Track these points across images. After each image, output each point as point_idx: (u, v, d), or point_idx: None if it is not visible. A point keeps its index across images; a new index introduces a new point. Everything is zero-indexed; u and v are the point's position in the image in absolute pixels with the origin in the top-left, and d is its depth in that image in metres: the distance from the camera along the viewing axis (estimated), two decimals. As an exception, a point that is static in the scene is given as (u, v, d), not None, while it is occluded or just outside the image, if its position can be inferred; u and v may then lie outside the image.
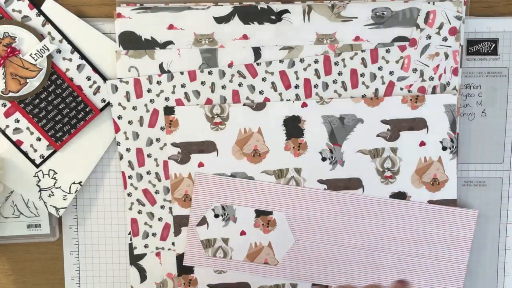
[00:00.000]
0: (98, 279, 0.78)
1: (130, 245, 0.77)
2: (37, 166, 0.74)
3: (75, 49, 0.73)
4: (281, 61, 0.74)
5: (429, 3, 0.73)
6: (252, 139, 0.75)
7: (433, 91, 0.74)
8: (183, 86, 0.74)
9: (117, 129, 0.74)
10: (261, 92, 0.74)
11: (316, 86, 0.74)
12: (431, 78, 0.74)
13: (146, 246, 0.76)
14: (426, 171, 0.75)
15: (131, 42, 0.73)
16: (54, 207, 0.75)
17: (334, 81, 0.74)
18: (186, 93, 0.74)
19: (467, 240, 0.76)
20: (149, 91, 0.74)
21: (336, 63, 0.74)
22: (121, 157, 0.75)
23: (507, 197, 0.78)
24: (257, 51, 0.74)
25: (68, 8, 0.72)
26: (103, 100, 0.74)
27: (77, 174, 0.75)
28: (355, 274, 0.77)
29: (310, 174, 0.75)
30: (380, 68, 0.74)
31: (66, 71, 0.73)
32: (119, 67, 0.73)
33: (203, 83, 0.74)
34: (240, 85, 0.74)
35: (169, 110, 0.74)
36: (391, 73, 0.74)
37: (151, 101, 0.74)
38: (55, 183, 0.75)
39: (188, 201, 0.75)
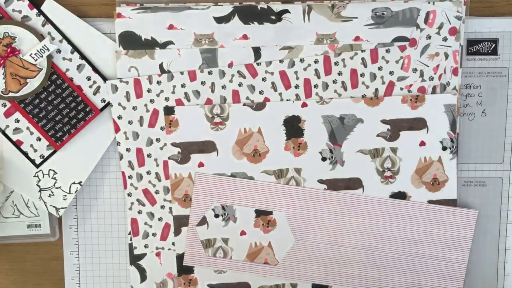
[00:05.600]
0: (98, 279, 0.78)
1: (130, 245, 0.77)
2: (37, 166, 0.74)
3: (75, 49, 0.73)
4: (281, 61, 0.74)
5: (429, 3, 0.73)
6: (252, 139, 0.75)
7: (433, 91, 0.74)
8: (183, 86, 0.74)
9: (117, 129, 0.74)
10: (261, 92, 0.74)
11: (316, 86, 0.74)
12: (431, 78, 0.74)
13: (146, 246, 0.76)
14: (426, 171, 0.75)
15: (131, 42, 0.73)
16: (54, 207, 0.75)
17: (334, 81, 0.74)
18: (186, 93, 0.74)
19: (467, 240, 0.76)
20: (149, 91, 0.74)
21: (336, 63, 0.74)
22: (121, 157, 0.75)
23: (507, 197, 0.78)
24: (257, 51, 0.74)
25: (68, 8, 0.72)
26: (103, 100, 0.74)
27: (77, 174, 0.75)
28: (355, 274, 0.77)
29: (310, 174, 0.75)
30: (380, 68, 0.74)
31: (66, 71, 0.73)
32: (119, 67, 0.73)
33: (203, 83, 0.74)
34: (240, 85, 0.74)
35: (169, 110, 0.74)
36: (391, 73, 0.74)
37: (151, 101, 0.74)
38: (55, 183, 0.75)
39: (188, 201, 0.75)
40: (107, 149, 0.75)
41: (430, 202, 0.76)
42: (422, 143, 0.75)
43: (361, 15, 0.73)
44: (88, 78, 0.73)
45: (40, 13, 0.72)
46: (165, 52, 0.73)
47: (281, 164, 0.75)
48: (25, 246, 0.78)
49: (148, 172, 0.75)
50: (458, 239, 0.76)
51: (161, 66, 0.74)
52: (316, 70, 0.74)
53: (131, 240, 0.76)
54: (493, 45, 0.75)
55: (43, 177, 0.75)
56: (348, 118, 0.74)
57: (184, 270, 0.77)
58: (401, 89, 0.74)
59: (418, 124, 0.75)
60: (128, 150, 0.75)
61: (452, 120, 0.74)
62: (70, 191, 0.75)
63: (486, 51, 0.75)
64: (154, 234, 0.76)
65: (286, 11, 0.73)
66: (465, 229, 0.76)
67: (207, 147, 0.75)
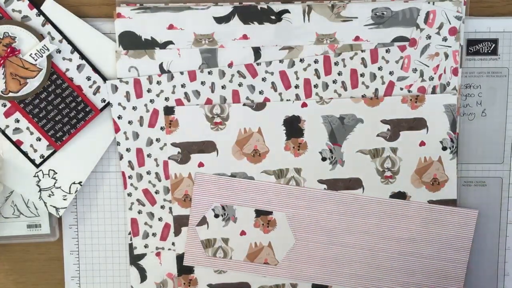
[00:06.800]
0: (98, 279, 0.78)
1: (130, 245, 0.77)
2: (37, 166, 0.74)
3: (75, 49, 0.73)
4: (281, 61, 0.74)
5: (429, 3, 0.73)
6: (252, 139, 0.75)
7: (433, 91, 0.74)
8: (183, 86, 0.74)
9: (117, 129, 0.74)
10: (261, 92, 0.74)
11: (316, 86, 0.74)
12: (431, 78, 0.74)
13: (146, 246, 0.76)
14: (426, 171, 0.75)
15: (131, 42, 0.73)
16: (54, 207, 0.75)
17: (334, 81, 0.74)
18: (186, 93, 0.74)
19: (467, 240, 0.76)
20: (149, 91, 0.74)
21: (336, 63, 0.74)
22: (121, 157, 0.75)
23: (507, 197, 0.78)
24: (257, 51, 0.74)
25: (68, 8, 0.72)
26: (103, 100, 0.74)
27: (77, 174, 0.75)
28: (355, 274, 0.77)
29: (310, 174, 0.75)
30: (380, 68, 0.74)
31: (66, 71, 0.73)
32: (119, 67, 0.73)
33: (203, 83, 0.74)
34: (240, 85, 0.74)
35: (169, 110, 0.74)
36: (391, 73, 0.74)
37: (151, 101, 0.74)
38: (55, 183, 0.75)
39: (188, 201, 0.75)
40: (107, 149, 0.75)
41: (430, 202, 0.76)
42: (422, 143, 0.75)
43: (361, 15, 0.73)
44: (88, 78, 0.73)
45: (40, 13, 0.72)
46: (165, 52, 0.73)
47: (281, 164, 0.75)
48: (25, 246, 0.78)
49: (148, 172, 0.75)
50: (458, 239, 0.76)
51: (161, 66, 0.74)
52: (316, 70, 0.74)
53: (131, 240, 0.76)
54: (493, 45, 0.75)
55: (43, 177, 0.75)
56: (348, 118, 0.74)
57: (184, 270, 0.77)
58: (401, 89, 0.74)
59: (418, 124, 0.75)
60: (128, 150, 0.75)
61: (452, 120, 0.74)
62: (70, 191, 0.75)
63: (486, 51, 0.75)
64: (154, 234, 0.76)
65: (286, 11, 0.73)
66: (465, 229, 0.76)
67: (207, 147, 0.75)
